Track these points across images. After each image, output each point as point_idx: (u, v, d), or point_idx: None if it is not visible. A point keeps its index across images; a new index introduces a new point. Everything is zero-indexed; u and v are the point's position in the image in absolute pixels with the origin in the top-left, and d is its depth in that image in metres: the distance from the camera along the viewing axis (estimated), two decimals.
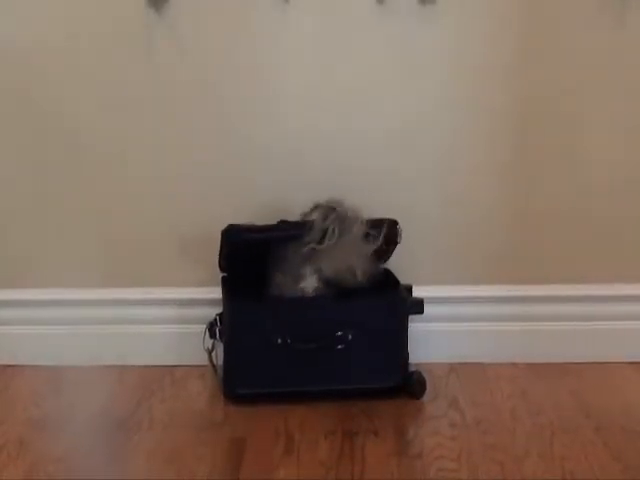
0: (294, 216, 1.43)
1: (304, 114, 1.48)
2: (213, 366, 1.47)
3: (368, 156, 1.50)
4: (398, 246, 1.47)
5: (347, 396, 1.40)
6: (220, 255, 1.40)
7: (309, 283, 1.38)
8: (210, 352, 1.46)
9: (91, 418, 1.38)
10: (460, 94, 1.47)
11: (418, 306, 1.43)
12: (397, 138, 1.49)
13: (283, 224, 1.41)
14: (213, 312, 1.45)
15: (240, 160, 1.51)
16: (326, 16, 1.43)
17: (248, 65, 1.46)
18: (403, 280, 1.45)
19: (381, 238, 1.36)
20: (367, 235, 1.35)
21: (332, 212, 1.36)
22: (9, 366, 1.57)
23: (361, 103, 1.48)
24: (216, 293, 1.43)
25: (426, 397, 1.43)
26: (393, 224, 1.41)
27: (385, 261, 1.46)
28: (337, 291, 1.39)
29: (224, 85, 1.47)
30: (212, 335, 1.45)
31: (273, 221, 1.42)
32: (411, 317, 1.44)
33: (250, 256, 1.37)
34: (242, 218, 1.46)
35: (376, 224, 1.40)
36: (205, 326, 1.45)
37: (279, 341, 1.37)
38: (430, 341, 1.55)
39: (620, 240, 1.54)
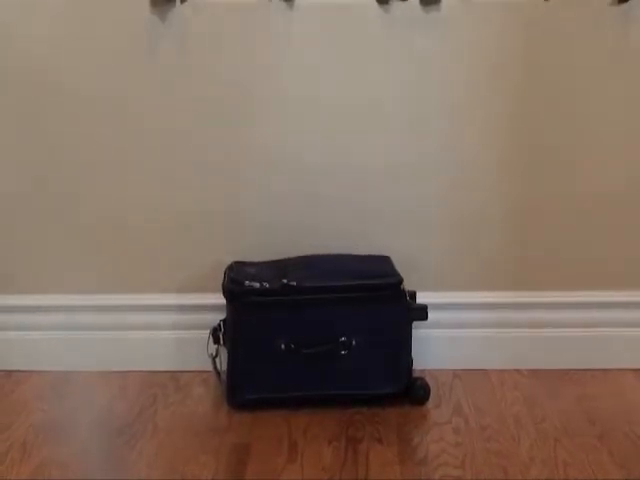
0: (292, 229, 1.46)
1: (304, 122, 1.48)
2: (217, 372, 1.47)
3: (370, 166, 1.50)
4: (402, 253, 1.48)
5: (351, 402, 1.40)
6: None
7: None
8: (214, 358, 1.46)
9: (95, 423, 1.38)
10: (462, 102, 1.47)
11: (422, 312, 1.42)
12: (400, 147, 1.49)
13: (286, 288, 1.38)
14: (217, 318, 1.45)
15: (240, 166, 1.51)
16: (330, 22, 1.44)
17: (249, 73, 1.46)
18: (407, 286, 1.44)
19: None
20: None
21: None
22: (14, 371, 1.57)
23: (363, 116, 1.48)
24: (220, 299, 1.43)
25: (430, 403, 1.43)
26: (399, 284, 1.40)
27: None
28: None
29: (224, 96, 1.47)
30: (216, 341, 1.45)
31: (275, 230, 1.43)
32: (415, 323, 1.44)
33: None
34: (242, 223, 1.51)
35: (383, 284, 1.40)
36: (209, 332, 1.45)
37: (283, 347, 1.38)
38: (434, 347, 1.55)
39: (624, 247, 1.54)
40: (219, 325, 1.45)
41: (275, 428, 1.34)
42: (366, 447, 1.27)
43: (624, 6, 1.41)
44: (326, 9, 1.43)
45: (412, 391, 1.42)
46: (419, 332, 1.48)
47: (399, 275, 1.41)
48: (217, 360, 1.47)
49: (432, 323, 1.45)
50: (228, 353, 1.42)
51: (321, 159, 1.50)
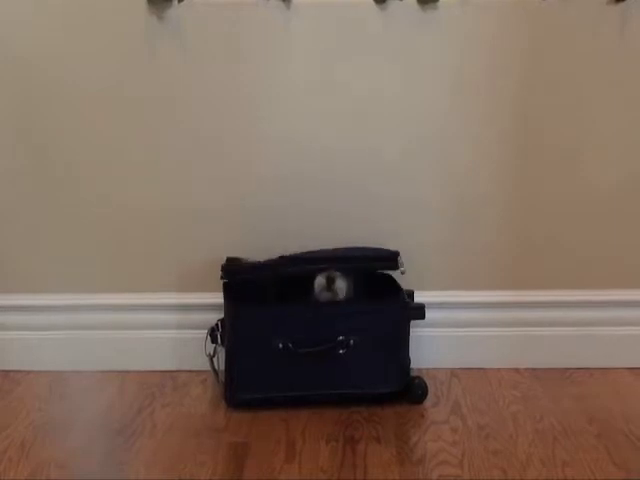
0: (294, 223, 1.46)
1: (302, 121, 1.48)
2: (215, 371, 1.47)
3: (371, 165, 1.50)
4: (400, 252, 1.48)
5: (348, 401, 1.40)
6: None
7: None
8: (212, 357, 1.46)
9: (93, 423, 1.38)
10: (460, 101, 1.47)
11: (419, 311, 1.42)
12: (398, 145, 1.49)
13: (282, 259, 1.41)
14: (215, 317, 1.45)
15: (240, 165, 1.51)
16: (327, 22, 1.44)
17: (245, 72, 1.46)
18: (405, 286, 1.45)
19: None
20: None
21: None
22: (12, 371, 1.57)
23: (360, 116, 1.48)
24: (218, 298, 1.43)
25: (428, 403, 1.43)
26: (395, 256, 1.41)
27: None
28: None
29: (222, 95, 1.47)
30: (214, 340, 1.45)
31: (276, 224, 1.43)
32: (413, 322, 1.44)
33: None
34: (241, 223, 1.50)
35: (377, 256, 1.42)
36: (207, 331, 1.45)
37: (280, 346, 1.38)
38: (432, 346, 1.55)
39: (624, 246, 1.54)
40: (217, 325, 1.45)
41: (273, 428, 1.34)
42: (364, 446, 1.27)
43: (621, 5, 1.41)
44: (324, 8, 1.43)
45: (410, 390, 1.42)
46: (417, 331, 1.48)
47: (396, 251, 1.42)
48: (215, 360, 1.47)
49: (430, 322, 1.45)
50: (226, 353, 1.42)
51: (320, 158, 1.50)
